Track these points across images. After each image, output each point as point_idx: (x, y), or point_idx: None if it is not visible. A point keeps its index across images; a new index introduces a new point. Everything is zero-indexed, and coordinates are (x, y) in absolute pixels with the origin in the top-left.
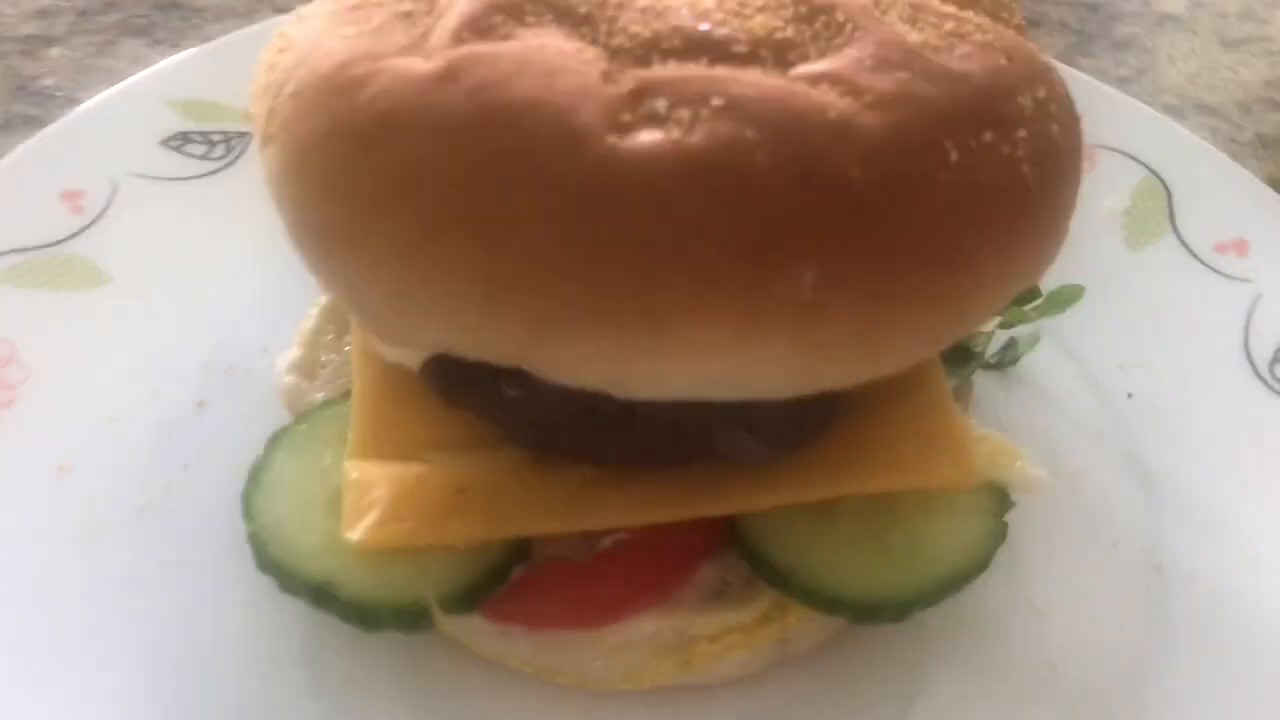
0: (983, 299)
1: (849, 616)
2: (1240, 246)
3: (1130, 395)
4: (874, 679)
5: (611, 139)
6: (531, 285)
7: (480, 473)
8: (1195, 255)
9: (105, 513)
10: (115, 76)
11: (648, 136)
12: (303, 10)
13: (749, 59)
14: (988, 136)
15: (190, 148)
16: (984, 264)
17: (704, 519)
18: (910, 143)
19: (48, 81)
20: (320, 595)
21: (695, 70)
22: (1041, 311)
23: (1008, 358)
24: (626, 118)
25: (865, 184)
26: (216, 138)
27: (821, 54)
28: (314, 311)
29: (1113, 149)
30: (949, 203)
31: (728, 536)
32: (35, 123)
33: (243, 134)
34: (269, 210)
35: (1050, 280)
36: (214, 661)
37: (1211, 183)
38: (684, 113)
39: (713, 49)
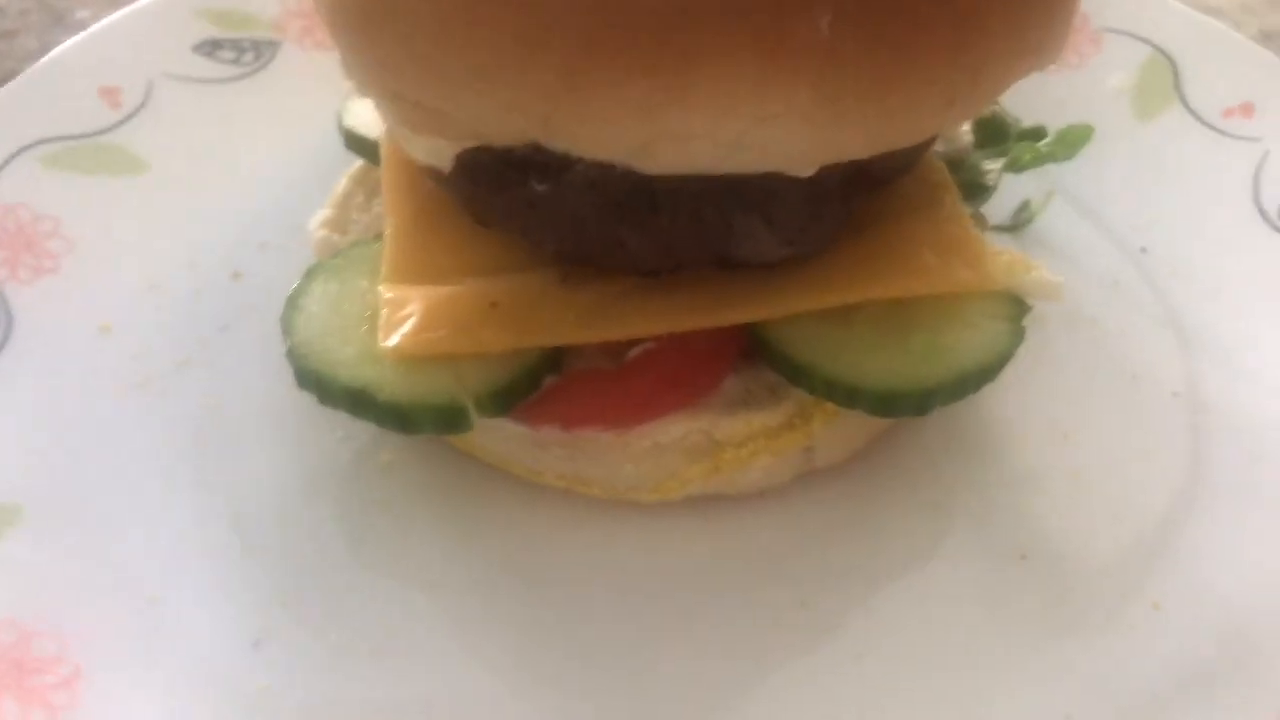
0: (992, 63)
1: (868, 408)
2: (1247, 109)
3: (1144, 249)
4: (902, 493)
5: None
6: (563, 38)
7: (512, 289)
8: (1203, 121)
9: (146, 366)
10: None
11: None
12: None
13: None
14: None
15: (221, 53)
16: (993, 25)
17: (729, 329)
18: None
19: (82, 14)
20: (359, 401)
21: None
22: (1050, 151)
23: (1023, 218)
24: None
25: None
26: (246, 45)
27: None
28: (344, 177)
29: (1118, 31)
30: None
31: (752, 349)
32: None
33: (271, 42)
34: (295, 113)
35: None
36: (253, 494)
37: (1216, 53)
38: None
39: None
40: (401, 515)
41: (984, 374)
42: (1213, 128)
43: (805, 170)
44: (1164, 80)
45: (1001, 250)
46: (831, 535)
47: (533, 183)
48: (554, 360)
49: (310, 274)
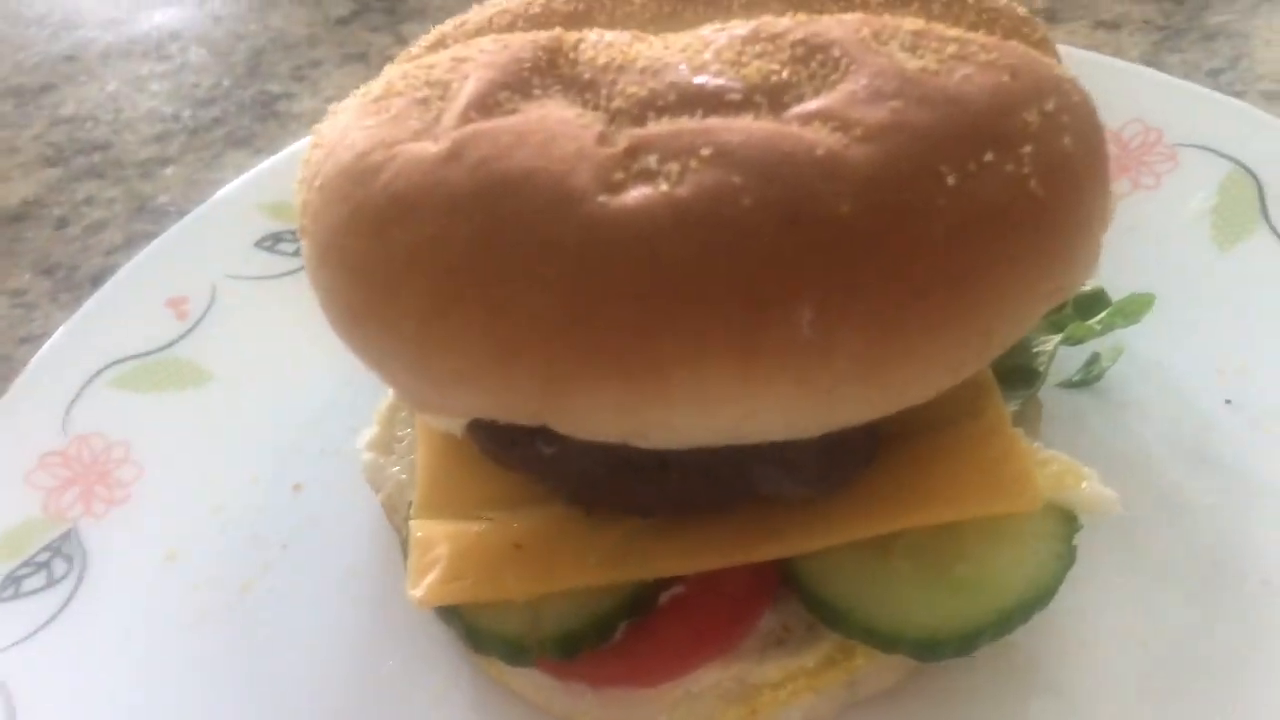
0: (1005, 318)
1: (911, 653)
2: None
3: (1229, 401)
4: (954, 718)
5: (603, 198)
6: (537, 347)
7: (535, 528)
8: None
9: (210, 594)
10: (222, 187)
11: (638, 192)
12: (335, 106)
13: (743, 106)
14: (989, 157)
15: (282, 246)
16: (1000, 283)
17: (762, 566)
18: (902, 172)
19: (162, 199)
20: (448, 612)
21: (689, 124)
22: (1109, 323)
23: (1092, 374)
24: (619, 176)
25: (856, 217)
26: None
27: (817, 92)
28: (391, 392)
29: (1195, 145)
30: (949, 227)
31: (787, 583)
32: (153, 238)
33: None
34: None
35: (1131, 287)
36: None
37: None
38: (674, 166)
39: (707, 100)
40: None
41: (1030, 608)
42: None
43: (811, 434)
44: (1248, 199)
45: (1050, 459)
46: None
47: (540, 445)
48: (631, 608)
49: None
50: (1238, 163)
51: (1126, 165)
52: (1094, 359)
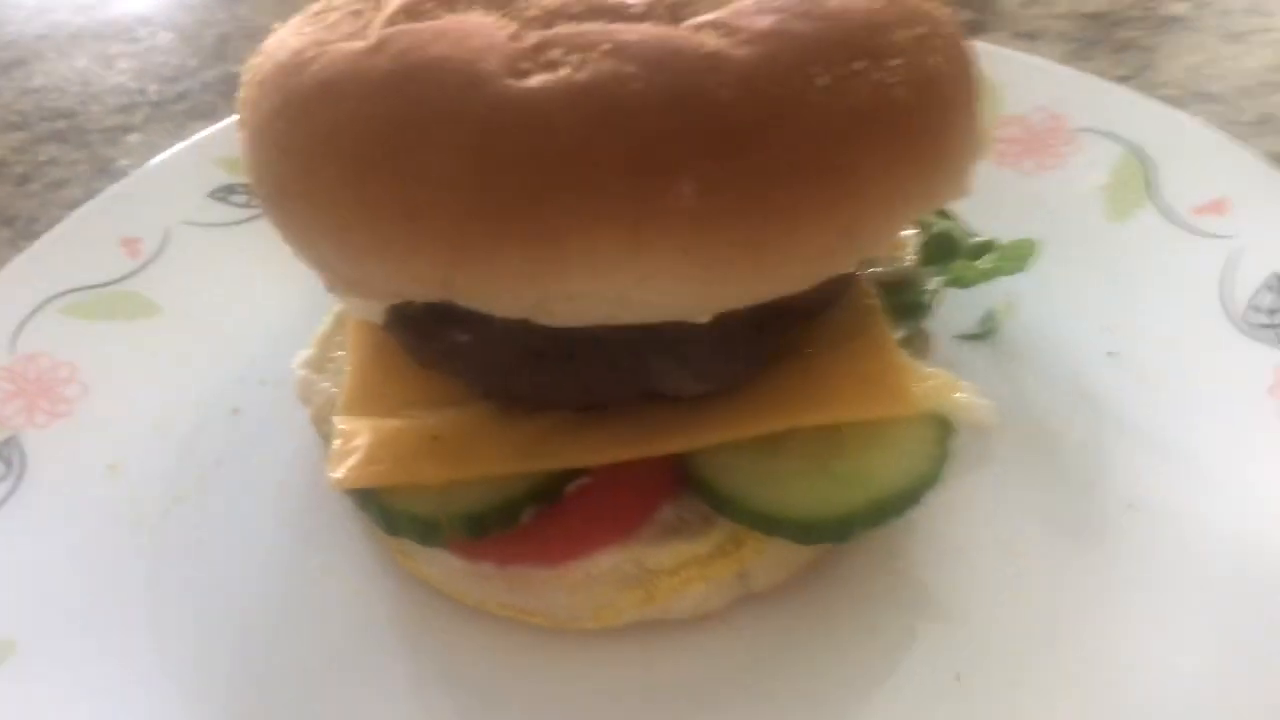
0: (867, 217)
1: (791, 536)
2: (1219, 206)
3: (1111, 354)
4: (841, 617)
5: (509, 80)
6: (442, 212)
7: (452, 423)
8: (1174, 220)
9: (147, 503)
10: None
11: (541, 78)
12: (278, 26)
13: (644, 16)
14: (859, 64)
15: (234, 197)
16: (864, 182)
17: (662, 460)
18: (778, 69)
19: (124, 162)
20: (364, 497)
21: (593, 27)
22: (995, 267)
23: (987, 328)
24: (526, 65)
25: (734, 104)
26: None
27: (712, 9)
28: (327, 317)
29: (1094, 131)
30: (820, 122)
31: (683, 478)
32: None
33: None
34: None
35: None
36: (240, 618)
37: (1189, 149)
38: (575, 57)
39: (611, 11)
40: (372, 639)
41: (905, 500)
42: (1184, 226)
43: (700, 317)
44: (1136, 179)
45: (930, 374)
46: (765, 661)
47: (455, 334)
48: (537, 495)
49: None
50: (1129, 144)
51: (1033, 148)
52: (989, 315)
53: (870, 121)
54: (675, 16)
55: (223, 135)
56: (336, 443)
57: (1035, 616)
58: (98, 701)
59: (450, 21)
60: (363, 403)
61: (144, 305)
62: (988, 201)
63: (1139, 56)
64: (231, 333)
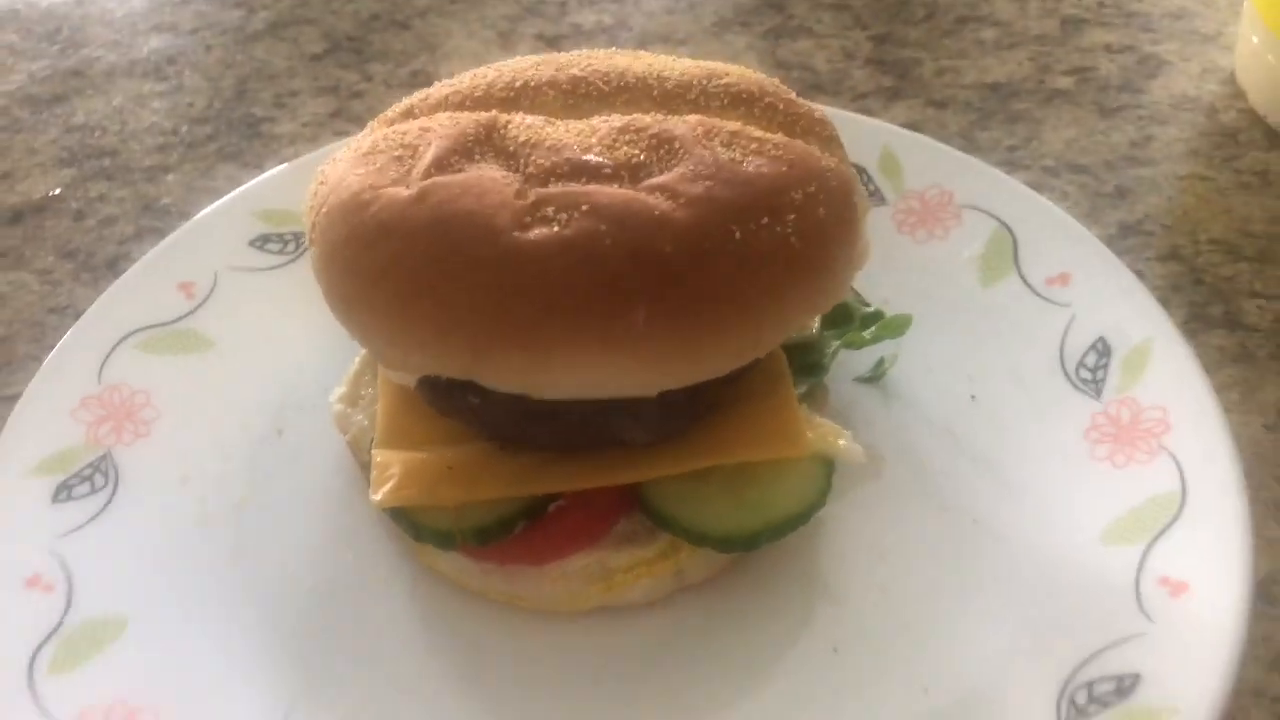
0: (767, 328)
1: (714, 546)
2: (1064, 279)
3: (973, 397)
4: (752, 603)
5: (517, 233)
6: (468, 329)
7: (463, 456)
8: (1030, 287)
9: (213, 507)
10: (215, 194)
11: (538, 231)
12: (334, 154)
13: (613, 177)
14: (764, 220)
15: (270, 245)
16: (764, 305)
17: (619, 488)
18: (707, 228)
19: (165, 201)
20: (397, 514)
21: (575, 188)
22: (878, 334)
23: (877, 372)
24: (528, 220)
25: (675, 255)
26: (289, 237)
27: (661, 171)
28: (357, 360)
29: (975, 208)
30: (735, 266)
31: (636, 503)
32: (157, 233)
33: (304, 233)
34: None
35: (913, 311)
36: (284, 600)
37: (1046, 229)
38: (563, 215)
39: (590, 172)
40: (399, 618)
41: (798, 519)
42: (1037, 294)
43: (649, 393)
44: (1005, 251)
45: (820, 424)
46: (696, 635)
47: (469, 397)
48: (527, 512)
49: None
50: (1001, 221)
51: (926, 219)
52: (880, 362)
53: (770, 263)
54: (636, 178)
55: (256, 190)
56: (374, 472)
57: (897, 603)
58: (194, 666)
59: (472, 176)
60: (394, 439)
61: (200, 340)
62: (888, 263)
63: (1027, 128)
64: (273, 364)
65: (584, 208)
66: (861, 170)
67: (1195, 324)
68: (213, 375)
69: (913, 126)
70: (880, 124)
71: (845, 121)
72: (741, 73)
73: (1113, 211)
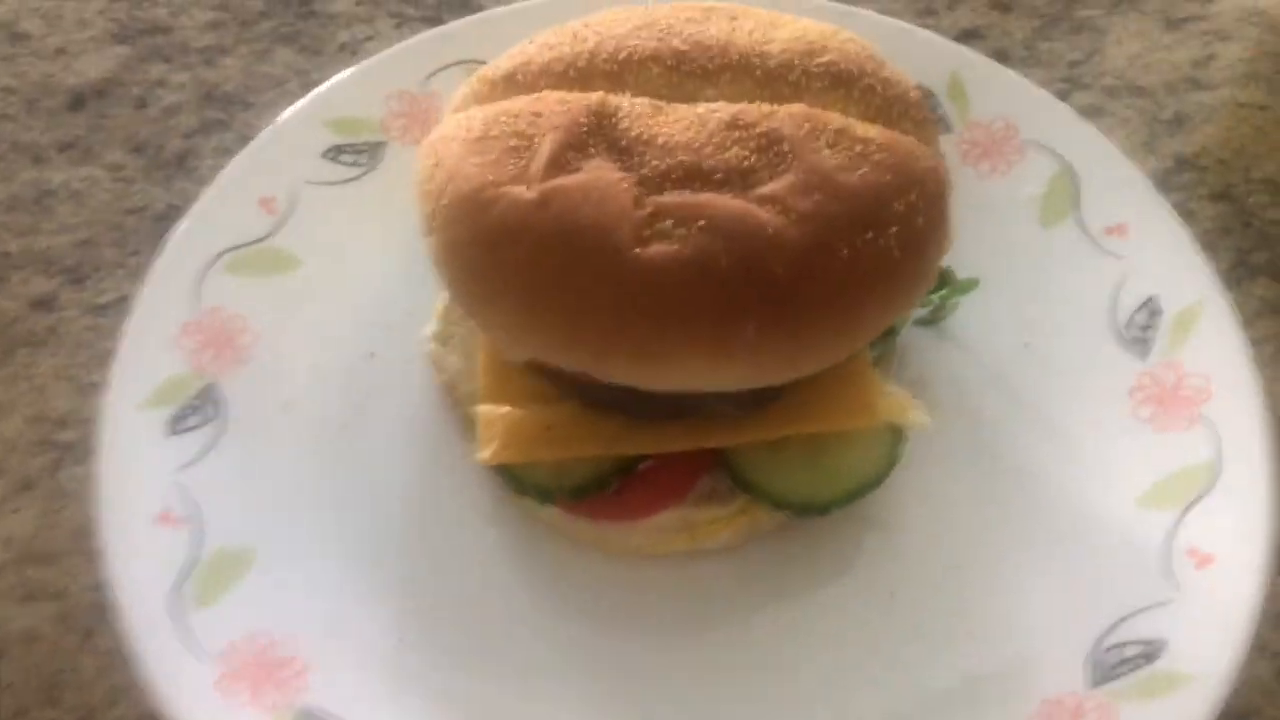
0: (865, 332)
1: (791, 512)
2: (1122, 230)
3: (1026, 344)
4: (818, 550)
5: (637, 250)
6: (589, 337)
7: (561, 417)
8: (1088, 235)
9: (317, 434)
10: (275, 81)
11: (657, 248)
12: (443, 130)
13: (724, 183)
14: (869, 235)
15: (344, 156)
16: (866, 316)
17: (703, 451)
18: (815, 245)
19: (226, 88)
20: (499, 471)
21: (688, 196)
22: (945, 297)
23: (936, 316)
24: (646, 234)
25: (786, 275)
26: (362, 147)
27: (770, 178)
28: (445, 294)
29: (1040, 144)
30: (840, 282)
31: (718, 462)
32: (222, 125)
33: (379, 143)
34: (406, 204)
35: (971, 256)
36: (395, 523)
37: (1109, 175)
38: (681, 230)
39: (703, 177)
40: (498, 553)
41: (869, 485)
42: (1095, 242)
43: (748, 387)
44: (1067, 193)
45: (891, 392)
46: (767, 575)
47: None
48: (619, 471)
49: None
50: (1065, 162)
51: (990, 151)
52: (939, 305)
53: (874, 277)
54: (746, 183)
55: (325, 96)
56: (481, 429)
57: (948, 553)
58: (317, 595)
59: (591, 179)
60: (496, 398)
61: (287, 259)
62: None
63: (1091, 39)
64: (359, 282)
65: (700, 223)
66: (929, 94)
67: (1239, 271)
68: (302, 295)
69: (975, 32)
70: (951, 46)
71: (916, 42)
72: (840, 47)
73: (1169, 141)
